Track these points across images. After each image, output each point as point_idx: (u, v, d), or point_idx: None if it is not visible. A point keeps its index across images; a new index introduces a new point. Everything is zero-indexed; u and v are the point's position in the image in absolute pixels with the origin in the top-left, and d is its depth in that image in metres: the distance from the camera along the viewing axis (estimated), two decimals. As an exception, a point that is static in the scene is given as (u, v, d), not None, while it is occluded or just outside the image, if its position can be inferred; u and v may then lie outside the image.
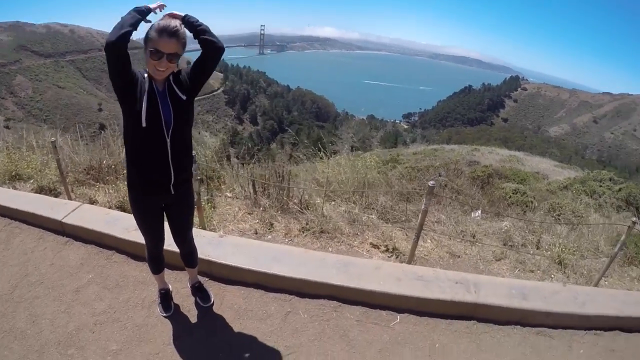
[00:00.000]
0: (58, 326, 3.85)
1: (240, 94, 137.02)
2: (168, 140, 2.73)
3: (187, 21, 2.68)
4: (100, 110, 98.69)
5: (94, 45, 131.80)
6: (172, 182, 2.88)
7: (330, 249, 4.65)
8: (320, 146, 7.44)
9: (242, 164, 7.69)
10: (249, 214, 5.38)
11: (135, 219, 3.13)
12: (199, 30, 2.71)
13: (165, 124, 2.70)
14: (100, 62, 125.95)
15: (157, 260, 3.49)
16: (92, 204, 5.95)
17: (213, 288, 3.93)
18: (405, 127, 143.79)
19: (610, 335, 3.82)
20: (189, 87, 2.81)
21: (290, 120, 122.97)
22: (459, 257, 4.68)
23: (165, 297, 3.79)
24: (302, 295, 3.84)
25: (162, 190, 2.91)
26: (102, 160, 7.03)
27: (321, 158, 7.16)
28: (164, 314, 3.73)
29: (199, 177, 4.69)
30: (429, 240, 4.94)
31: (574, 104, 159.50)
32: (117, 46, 2.48)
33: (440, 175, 8.38)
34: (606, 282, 4.79)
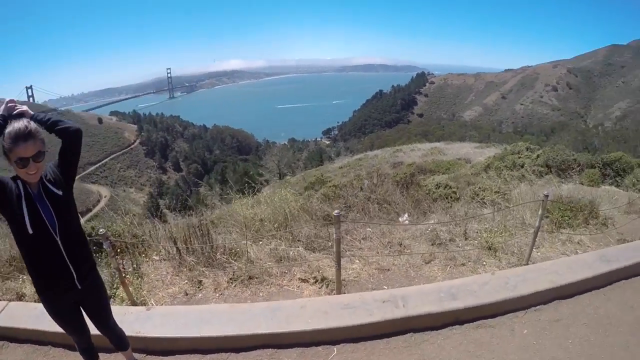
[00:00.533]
0: None
1: (158, 143, 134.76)
2: (58, 240, 2.62)
3: (36, 120, 2.63)
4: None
5: None
6: (75, 278, 2.74)
7: (261, 294, 4.58)
8: (248, 180, 7.37)
9: (164, 221, 7.47)
10: (176, 275, 5.25)
11: (53, 319, 2.97)
12: (50, 125, 2.66)
13: (51, 225, 2.60)
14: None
15: (88, 351, 3.32)
16: (20, 298, 5.66)
17: (152, 362, 3.79)
18: (327, 142, 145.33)
19: (551, 306, 3.93)
20: (61, 180, 2.73)
21: (213, 159, 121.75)
22: (388, 270, 4.68)
23: None
24: (237, 350, 3.75)
25: (68, 287, 2.77)
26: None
27: (247, 194, 7.10)
28: None
29: (114, 253, 4.61)
30: (356, 261, 4.91)
31: (480, 87, 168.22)
32: None
33: (362, 190, 8.37)
34: (539, 254, 4.93)
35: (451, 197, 8.25)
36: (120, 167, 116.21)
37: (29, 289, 5.79)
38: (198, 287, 4.90)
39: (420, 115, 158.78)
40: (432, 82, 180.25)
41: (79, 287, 2.78)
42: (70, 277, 2.71)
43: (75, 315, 3.00)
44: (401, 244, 5.19)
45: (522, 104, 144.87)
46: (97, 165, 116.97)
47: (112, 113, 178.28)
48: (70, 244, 2.69)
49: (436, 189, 8.82)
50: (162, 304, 4.74)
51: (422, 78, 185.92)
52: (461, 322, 3.70)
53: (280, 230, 5.81)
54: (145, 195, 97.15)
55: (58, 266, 2.67)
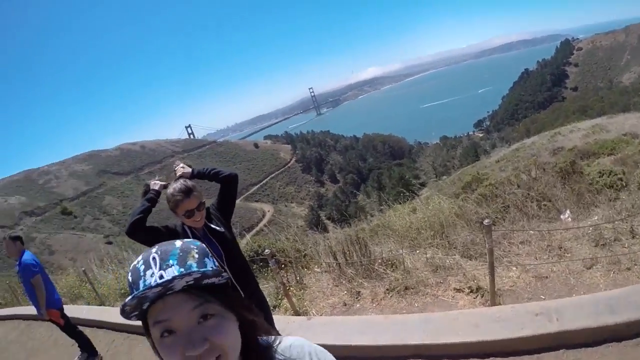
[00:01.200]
0: None
1: (312, 158, 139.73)
2: (226, 268, 2.97)
3: (198, 174, 3.17)
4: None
5: (166, 154, 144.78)
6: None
7: (416, 304, 4.71)
8: (405, 184, 7.48)
9: (326, 232, 7.80)
10: (336, 286, 5.61)
11: None
12: (212, 176, 3.15)
13: (219, 258, 2.98)
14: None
15: None
16: None
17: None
18: (481, 135, 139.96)
19: None
20: (220, 218, 3.18)
21: (368, 167, 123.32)
22: (546, 277, 4.47)
23: None
24: (389, 359, 3.94)
25: None
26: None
27: (405, 199, 7.12)
28: None
29: (279, 268, 5.19)
30: (513, 269, 4.80)
31: (634, 42, 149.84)
32: (136, 233, 2.93)
33: (518, 187, 8.13)
34: None
35: (617, 186, 7.69)
36: (279, 184, 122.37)
37: None
38: (356, 298, 5.17)
39: (575, 89, 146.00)
40: (580, 49, 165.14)
41: None
42: None
43: None
44: (561, 247, 4.94)
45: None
46: (258, 185, 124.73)
47: (266, 137, 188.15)
48: (236, 271, 3.07)
49: (599, 177, 8.29)
50: (322, 314, 5.13)
51: (567, 46, 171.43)
52: (618, 339, 3.33)
53: (436, 239, 5.87)
54: (306, 209, 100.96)
55: None
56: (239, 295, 1.10)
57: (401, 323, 4.19)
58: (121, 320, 6.77)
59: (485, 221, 3.92)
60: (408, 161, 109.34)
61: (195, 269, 0.95)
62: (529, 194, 7.49)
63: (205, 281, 0.96)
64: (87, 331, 7.31)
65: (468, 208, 7.27)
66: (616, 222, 5.13)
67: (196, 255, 0.99)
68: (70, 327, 6.38)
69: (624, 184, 7.56)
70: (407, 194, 7.90)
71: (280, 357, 1.09)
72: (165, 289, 0.91)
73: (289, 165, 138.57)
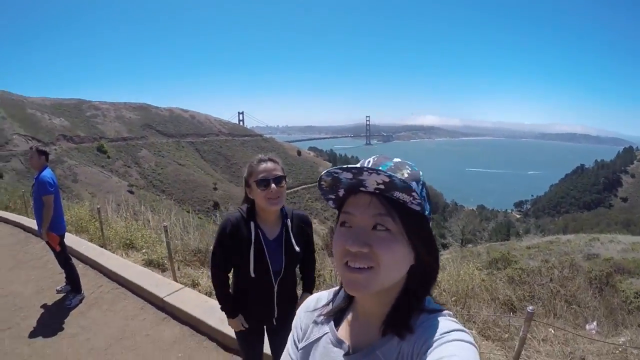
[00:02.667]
0: None
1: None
2: (275, 286, 2.77)
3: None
4: (215, 189, 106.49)
5: (212, 131, 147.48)
6: (275, 316, 2.88)
7: None
8: None
9: None
10: None
11: (236, 335, 3.08)
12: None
13: (274, 274, 2.73)
14: (217, 146, 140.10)
15: None
16: (194, 286, 6.50)
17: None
18: (518, 216, 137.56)
19: None
20: (303, 239, 2.86)
21: None
22: None
23: None
24: None
25: (265, 319, 2.92)
26: (210, 246, 7.34)
27: None
28: None
29: None
30: None
31: None
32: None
33: (551, 281, 7.84)
34: None
35: (651, 311, 7.37)
36: (309, 197, 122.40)
37: (204, 280, 6.69)
38: None
39: (625, 200, 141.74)
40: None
41: (274, 324, 2.91)
42: (271, 314, 2.86)
43: (257, 342, 3.11)
44: (584, 359, 4.72)
45: None
46: (289, 191, 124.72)
47: (311, 148, 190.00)
48: (283, 294, 2.83)
49: (635, 298, 7.96)
50: None
51: (629, 154, 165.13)
52: None
53: (457, 306, 5.66)
54: (327, 229, 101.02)
55: (264, 305, 2.83)
56: (428, 232, 1.07)
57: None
58: (116, 268, 6.84)
59: (530, 308, 3.67)
60: (439, 217, 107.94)
61: (386, 172, 0.92)
62: (559, 291, 7.23)
63: (396, 194, 0.96)
64: (80, 266, 7.48)
65: (497, 284, 7.05)
66: None
67: (405, 173, 1.00)
68: (64, 257, 6.37)
69: (660, 312, 7.27)
70: None
71: (426, 324, 1.01)
72: (357, 180, 0.96)
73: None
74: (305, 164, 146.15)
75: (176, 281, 6.64)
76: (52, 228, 5.97)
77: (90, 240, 9.11)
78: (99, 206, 9.31)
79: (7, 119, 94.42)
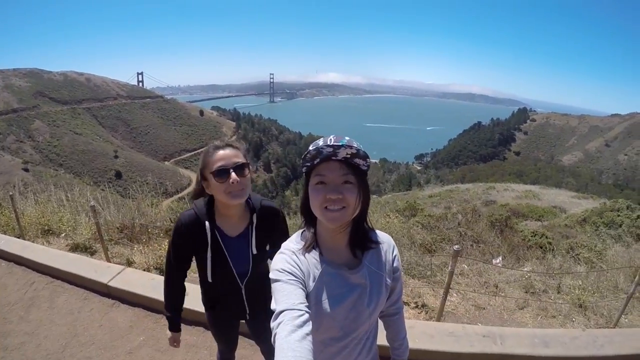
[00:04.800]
0: None
1: (253, 142, 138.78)
2: (242, 288, 2.52)
3: None
4: (116, 157, 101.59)
5: (110, 94, 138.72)
6: (247, 313, 2.67)
7: None
8: None
9: None
10: None
11: (209, 326, 2.93)
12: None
13: (240, 275, 2.47)
14: (116, 111, 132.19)
15: None
16: (129, 264, 6.18)
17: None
18: (419, 168, 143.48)
19: (632, 372, 3.98)
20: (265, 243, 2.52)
21: None
22: (484, 309, 4.90)
23: None
24: None
25: (239, 317, 2.74)
26: (135, 220, 7.24)
27: None
28: None
29: None
30: (454, 295, 5.15)
31: (584, 130, 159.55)
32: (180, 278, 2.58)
33: (459, 225, 8.59)
34: (626, 320, 4.90)
35: (546, 248, 8.29)
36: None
37: (138, 257, 6.34)
38: None
39: (517, 154, 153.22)
40: (533, 120, 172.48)
41: (248, 319, 2.73)
42: (243, 311, 2.65)
43: (233, 331, 2.99)
44: (497, 286, 5.40)
45: (626, 155, 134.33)
46: (192, 153, 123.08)
47: (214, 108, 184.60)
48: (252, 291, 2.56)
49: (532, 236, 8.89)
50: None
51: (523, 114, 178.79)
52: (550, 369, 3.84)
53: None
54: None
55: (235, 304, 2.61)
56: (367, 188, 1.61)
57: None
58: (45, 261, 6.21)
59: (455, 247, 4.21)
60: None
61: (355, 145, 1.45)
62: (466, 233, 7.95)
63: (356, 160, 1.49)
64: (3, 265, 6.71)
65: (413, 231, 7.66)
66: (545, 277, 5.78)
67: (358, 144, 1.48)
68: None
69: (552, 248, 8.15)
70: None
71: (375, 236, 1.75)
72: (334, 152, 1.44)
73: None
74: (209, 124, 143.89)
75: (109, 262, 6.31)
76: None
77: (4, 233, 7.97)
78: (10, 193, 8.28)
79: None
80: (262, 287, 2.53)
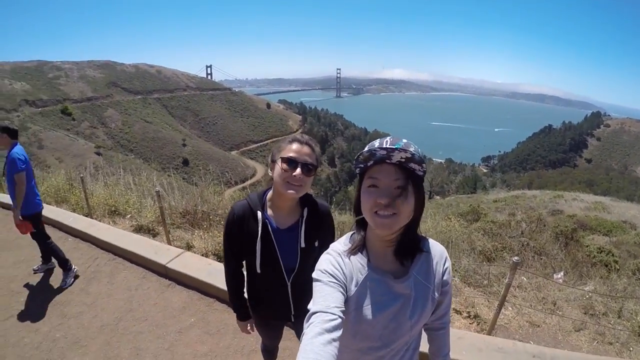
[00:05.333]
0: None
1: (318, 136, 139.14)
2: (288, 284, 2.48)
3: None
4: (184, 145, 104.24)
5: (179, 86, 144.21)
6: (292, 314, 2.62)
7: None
8: None
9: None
10: None
11: (257, 329, 2.88)
12: None
13: (287, 271, 2.44)
14: (185, 101, 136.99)
15: (271, 353, 3.30)
16: (189, 248, 6.41)
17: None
18: (485, 171, 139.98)
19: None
20: (316, 239, 2.48)
21: None
22: (538, 326, 4.72)
23: None
24: None
25: (283, 318, 2.70)
26: (197, 206, 7.48)
27: None
28: None
29: None
30: (509, 308, 5.01)
31: None
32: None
33: (522, 234, 8.34)
34: None
35: (611, 266, 7.92)
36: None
37: (198, 242, 6.58)
38: None
39: (589, 161, 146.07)
40: (607, 125, 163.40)
41: (292, 321, 2.68)
42: (288, 311, 2.59)
43: (279, 330, 3.00)
44: (555, 304, 5.19)
45: None
46: (258, 144, 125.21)
47: (280, 101, 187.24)
48: (299, 289, 2.50)
49: (598, 253, 8.52)
50: None
51: (596, 118, 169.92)
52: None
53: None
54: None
55: (280, 302, 2.56)
56: (422, 195, 1.53)
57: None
58: (109, 239, 6.63)
59: (515, 258, 4.06)
60: None
61: (411, 149, 1.38)
62: (528, 244, 7.70)
63: (411, 164, 1.41)
64: (69, 240, 7.28)
65: (474, 237, 7.48)
66: (608, 298, 5.43)
67: (416, 148, 1.43)
68: (42, 236, 6.06)
69: (618, 267, 7.79)
70: None
71: (425, 245, 1.68)
72: (388, 155, 1.39)
73: (293, 134, 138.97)
74: (275, 117, 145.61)
75: (170, 245, 6.62)
76: (28, 206, 5.64)
77: (73, 211, 8.80)
78: (81, 175, 8.65)
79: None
80: (308, 288, 2.31)
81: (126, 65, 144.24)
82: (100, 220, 8.04)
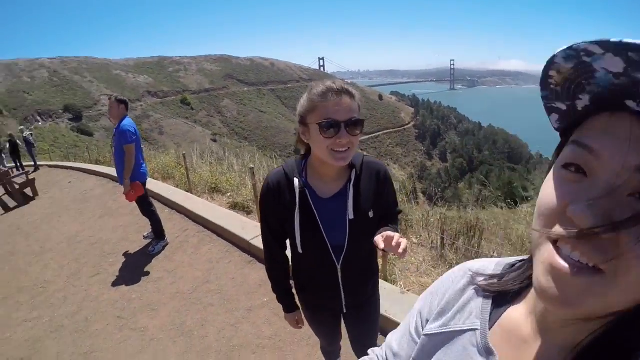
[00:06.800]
0: (223, 338, 4.14)
1: (430, 130, 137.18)
2: (339, 266, 1.99)
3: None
4: (296, 134, 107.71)
5: (293, 77, 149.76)
6: (343, 303, 2.15)
7: None
8: (510, 191, 6.98)
9: (434, 204, 7.57)
10: (432, 267, 4.92)
11: (309, 324, 2.47)
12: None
13: (335, 249, 1.95)
14: (298, 93, 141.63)
15: (332, 354, 2.87)
16: None
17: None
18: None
19: None
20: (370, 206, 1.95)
21: (480, 159, 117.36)
22: None
23: None
24: None
25: (332, 308, 2.24)
26: None
27: (510, 206, 6.52)
28: None
29: None
30: None
31: None
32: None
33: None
34: None
35: None
36: (390, 142, 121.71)
37: None
38: None
39: None
40: None
41: (344, 311, 2.21)
42: (337, 300, 2.14)
43: (332, 326, 2.49)
44: None
45: None
46: (369, 136, 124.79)
47: (392, 93, 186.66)
48: (351, 274, 2.06)
49: None
50: (409, 290, 4.28)
51: None
52: None
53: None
54: (405, 175, 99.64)
55: (326, 289, 2.12)
56: None
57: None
58: (201, 212, 6.90)
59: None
60: (523, 170, 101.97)
61: None
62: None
63: None
64: (166, 211, 7.75)
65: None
66: None
67: None
68: (147, 205, 6.35)
69: None
70: (510, 201, 7.24)
71: None
72: (630, 80, 0.45)
73: (405, 127, 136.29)
74: (387, 109, 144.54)
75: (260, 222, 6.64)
76: (134, 177, 5.87)
77: (176, 186, 9.35)
78: (184, 152, 9.44)
79: (94, 81, 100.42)
80: (364, 272, 2.14)
81: (241, 58, 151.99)
82: (200, 196, 8.43)
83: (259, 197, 2.07)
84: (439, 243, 5.20)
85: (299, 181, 1.88)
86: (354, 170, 1.90)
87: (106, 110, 5.50)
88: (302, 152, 1.99)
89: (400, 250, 1.57)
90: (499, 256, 4.59)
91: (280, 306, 2.31)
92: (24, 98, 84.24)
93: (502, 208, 7.25)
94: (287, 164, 1.97)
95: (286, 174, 1.91)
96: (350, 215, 1.87)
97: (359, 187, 1.90)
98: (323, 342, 2.70)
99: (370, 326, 2.38)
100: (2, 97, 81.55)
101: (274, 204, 1.92)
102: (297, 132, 1.90)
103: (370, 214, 1.90)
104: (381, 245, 1.59)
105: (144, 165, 6.17)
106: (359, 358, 2.34)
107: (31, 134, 19.67)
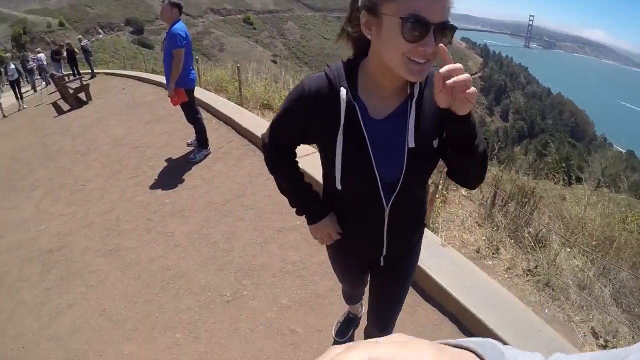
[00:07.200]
0: (247, 255, 4.09)
1: (497, 85, 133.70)
2: (387, 209, 1.55)
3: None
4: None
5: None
6: (383, 255, 1.73)
7: (546, 310, 3.37)
8: (565, 168, 6.66)
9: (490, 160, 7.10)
10: (478, 225, 4.52)
11: (332, 266, 2.19)
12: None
13: (385, 187, 1.50)
14: None
15: (355, 299, 2.71)
16: None
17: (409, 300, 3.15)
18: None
19: None
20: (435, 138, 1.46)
21: (542, 127, 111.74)
22: None
23: (349, 323, 3.03)
24: None
25: (368, 259, 1.87)
26: None
27: (565, 184, 6.31)
28: (337, 338, 3.01)
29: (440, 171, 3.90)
30: None
31: None
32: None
33: None
34: None
35: None
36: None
37: None
38: (493, 254, 3.94)
39: None
40: None
41: (382, 264, 1.81)
42: (378, 254, 1.74)
43: (360, 276, 2.16)
44: None
45: None
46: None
47: (464, 39, 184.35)
48: (401, 217, 1.60)
49: None
50: (449, 244, 3.86)
51: None
52: None
53: (598, 252, 4.35)
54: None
55: (368, 235, 1.68)
56: None
57: (537, 330, 2.97)
58: (249, 126, 6.78)
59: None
60: (583, 149, 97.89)
61: None
62: None
63: None
64: (214, 122, 7.73)
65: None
66: None
67: None
68: (193, 112, 6.23)
69: None
70: (564, 178, 6.95)
71: None
72: None
73: (472, 77, 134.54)
74: (455, 56, 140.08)
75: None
76: (181, 82, 5.76)
77: (229, 99, 9.14)
78: (239, 65, 9.25)
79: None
80: (414, 218, 1.73)
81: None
82: (251, 111, 8.22)
83: (286, 99, 1.55)
84: (489, 202, 4.91)
85: (346, 93, 1.38)
86: (417, 85, 1.41)
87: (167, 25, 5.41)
88: (352, 54, 1.49)
89: (472, 91, 1.17)
90: (549, 232, 4.49)
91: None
92: (86, 12, 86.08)
93: (557, 183, 6.86)
94: (331, 69, 1.45)
95: (330, 82, 1.41)
96: (411, 143, 1.40)
97: (422, 107, 1.42)
98: (346, 287, 2.41)
99: (401, 288, 1.98)
100: (65, 11, 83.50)
101: (305, 112, 1.46)
102: (348, 19, 1.45)
103: (435, 144, 1.43)
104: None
105: (193, 72, 6.08)
106: (377, 330, 2.16)
107: (89, 42, 20.74)
